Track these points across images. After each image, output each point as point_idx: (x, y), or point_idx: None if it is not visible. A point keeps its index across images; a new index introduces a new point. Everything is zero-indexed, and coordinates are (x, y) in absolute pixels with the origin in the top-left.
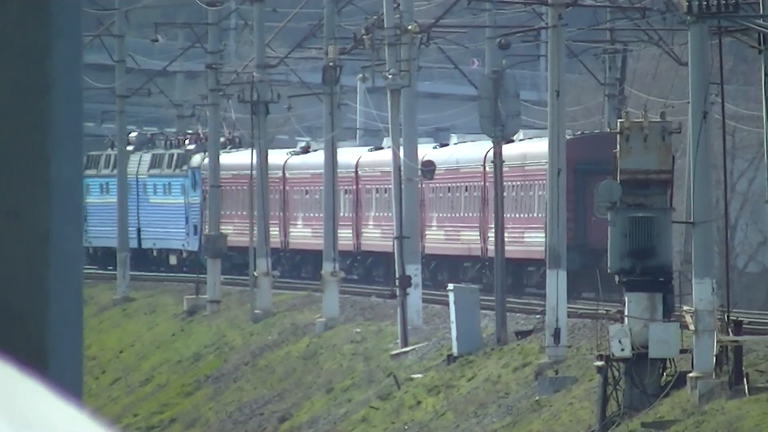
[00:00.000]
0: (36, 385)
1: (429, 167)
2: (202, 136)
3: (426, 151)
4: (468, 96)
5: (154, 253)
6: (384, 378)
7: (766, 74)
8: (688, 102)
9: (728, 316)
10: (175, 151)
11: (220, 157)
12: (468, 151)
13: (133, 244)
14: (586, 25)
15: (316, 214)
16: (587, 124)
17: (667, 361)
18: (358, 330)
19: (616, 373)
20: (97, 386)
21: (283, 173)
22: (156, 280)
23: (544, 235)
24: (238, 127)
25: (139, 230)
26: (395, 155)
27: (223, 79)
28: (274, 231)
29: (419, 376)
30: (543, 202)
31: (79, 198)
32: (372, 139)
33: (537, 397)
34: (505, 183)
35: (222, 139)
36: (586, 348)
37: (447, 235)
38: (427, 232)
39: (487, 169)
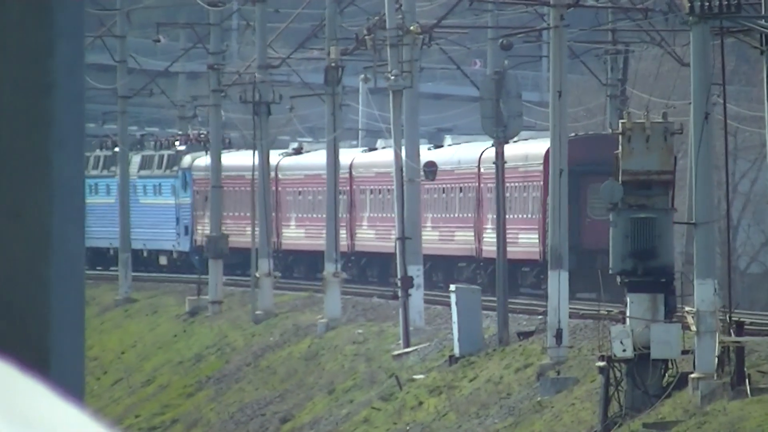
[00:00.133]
0: (37, 386)
1: (431, 168)
2: (192, 137)
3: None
4: (470, 97)
5: (144, 254)
6: (386, 379)
7: None
8: (690, 103)
9: (730, 317)
10: (166, 152)
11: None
12: (462, 153)
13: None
14: (588, 26)
15: (310, 215)
16: (589, 125)
17: (669, 362)
18: (360, 331)
19: (618, 374)
20: (99, 387)
21: (276, 174)
22: (157, 281)
23: (538, 235)
24: (239, 128)
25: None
26: (397, 156)
27: (225, 79)
28: None
29: (421, 376)
30: (537, 203)
31: (81, 198)
32: (374, 140)
33: (539, 398)
34: None
35: None
36: (588, 349)
37: (442, 235)
38: (421, 233)
39: (482, 170)
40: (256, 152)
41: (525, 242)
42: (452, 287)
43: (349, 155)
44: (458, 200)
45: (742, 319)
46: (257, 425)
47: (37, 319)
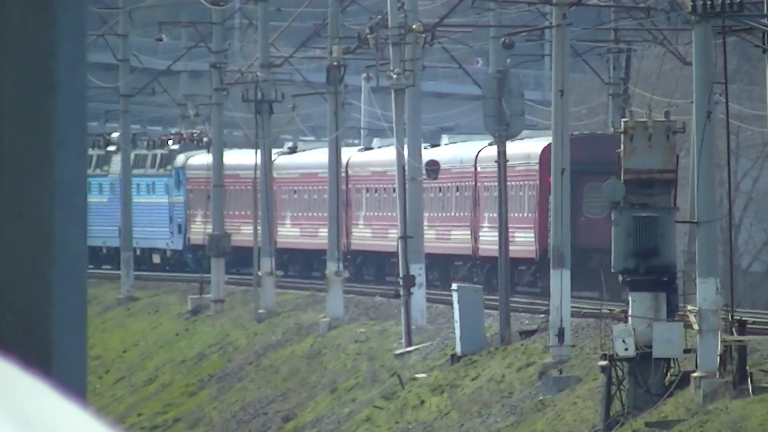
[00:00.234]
0: (40, 385)
1: (433, 167)
2: (185, 136)
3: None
4: (472, 95)
5: (138, 252)
6: (388, 378)
7: None
8: (692, 101)
9: (732, 316)
10: (159, 151)
11: (207, 158)
12: (460, 151)
13: (116, 243)
14: (591, 25)
15: (306, 214)
16: (591, 123)
17: (671, 361)
18: (362, 330)
19: (620, 373)
20: (101, 386)
21: (270, 173)
22: (159, 280)
23: (534, 234)
24: (241, 126)
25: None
26: (399, 155)
27: (227, 78)
28: None
29: (423, 375)
30: (534, 202)
31: (83, 198)
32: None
33: (541, 397)
34: (495, 183)
35: (205, 139)
36: (590, 348)
37: (438, 234)
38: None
39: (479, 168)
40: (259, 151)
41: (521, 241)
42: (454, 286)
43: (345, 154)
44: (455, 199)
45: (744, 318)
46: (259, 424)
47: (39, 318)
